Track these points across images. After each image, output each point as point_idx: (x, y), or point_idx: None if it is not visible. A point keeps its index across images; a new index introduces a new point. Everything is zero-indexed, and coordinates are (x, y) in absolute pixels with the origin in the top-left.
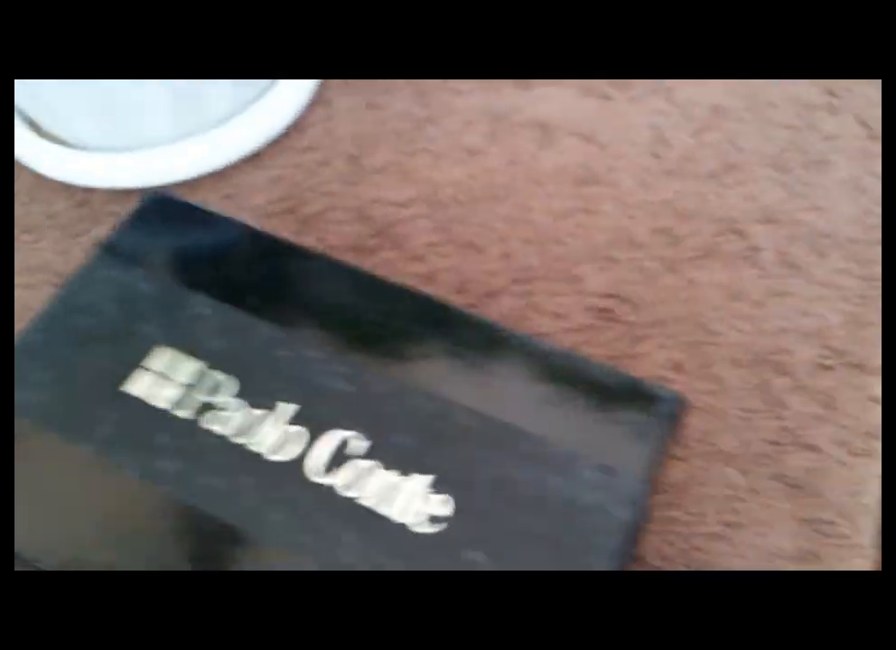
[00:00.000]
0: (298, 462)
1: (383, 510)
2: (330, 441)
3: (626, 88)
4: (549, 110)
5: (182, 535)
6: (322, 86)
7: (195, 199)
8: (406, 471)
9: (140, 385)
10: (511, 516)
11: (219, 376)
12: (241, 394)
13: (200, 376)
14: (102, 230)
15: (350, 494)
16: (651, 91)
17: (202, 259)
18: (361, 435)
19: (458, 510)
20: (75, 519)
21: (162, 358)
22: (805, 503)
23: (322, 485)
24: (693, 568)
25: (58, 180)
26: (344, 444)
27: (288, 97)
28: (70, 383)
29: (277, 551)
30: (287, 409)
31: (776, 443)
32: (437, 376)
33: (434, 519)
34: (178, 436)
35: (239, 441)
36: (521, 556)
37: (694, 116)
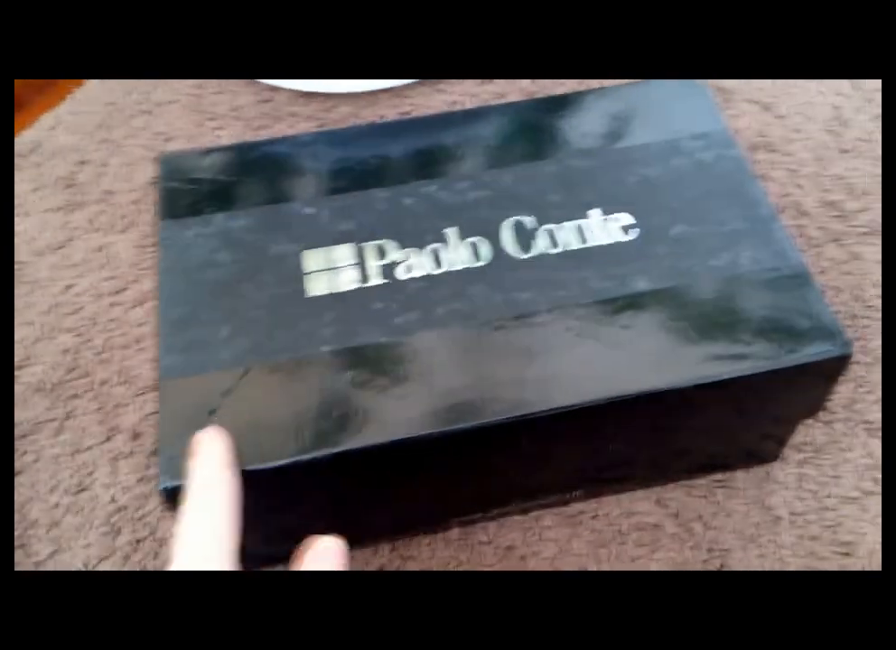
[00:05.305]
0: (500, 255)
1: (589, 244)
2: (507, 230)
3: None
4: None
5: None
6: None
7: (372, 113)
8: (574, 217)
9: (320, 286)
10: None
11: (371, 244)
12: (405, 244)
13: (359, 252)
14: (281, 128)
15: (555, 251)
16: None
17: (246, 182)
18: (522, 214)
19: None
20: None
21: (314, 259)
22: None
23: (532, 257)
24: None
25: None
26: (519, 225)
27: None
28: (258, 318)
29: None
30: (452, 231)
31: None
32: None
33: (624, 229)
34: (392, 297)
35: (441, 270)
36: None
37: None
